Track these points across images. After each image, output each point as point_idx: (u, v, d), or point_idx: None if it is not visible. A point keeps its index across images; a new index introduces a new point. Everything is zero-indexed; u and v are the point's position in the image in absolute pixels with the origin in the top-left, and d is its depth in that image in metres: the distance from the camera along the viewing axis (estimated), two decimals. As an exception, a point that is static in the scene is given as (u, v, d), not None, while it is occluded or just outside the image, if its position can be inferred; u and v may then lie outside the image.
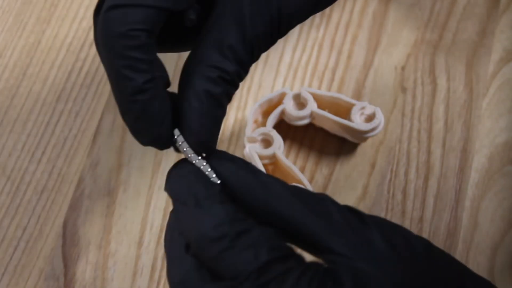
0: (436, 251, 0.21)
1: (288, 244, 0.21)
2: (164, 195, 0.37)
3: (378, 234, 0.20)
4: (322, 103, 0.36)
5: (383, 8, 0.41)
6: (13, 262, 0.36)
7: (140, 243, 0.36)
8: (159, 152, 0.38)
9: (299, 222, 0.21)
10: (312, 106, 0.35)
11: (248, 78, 0.40)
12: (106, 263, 0.36)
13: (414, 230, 0.35)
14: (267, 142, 0.35)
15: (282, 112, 0.36)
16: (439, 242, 0.35)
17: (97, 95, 0.40)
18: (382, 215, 0.36)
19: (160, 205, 0.37)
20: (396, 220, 0.36)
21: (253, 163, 0.34)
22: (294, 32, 0.41)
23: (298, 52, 0.40)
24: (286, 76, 0.40)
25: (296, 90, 0.39)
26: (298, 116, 0.35)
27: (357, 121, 0.35)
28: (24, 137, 0.39)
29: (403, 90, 0.39)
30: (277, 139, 0.35)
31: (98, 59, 0.41)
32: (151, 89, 0.21)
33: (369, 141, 0.38)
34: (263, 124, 0.37)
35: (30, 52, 0.42)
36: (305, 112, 0.35)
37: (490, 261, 0.35)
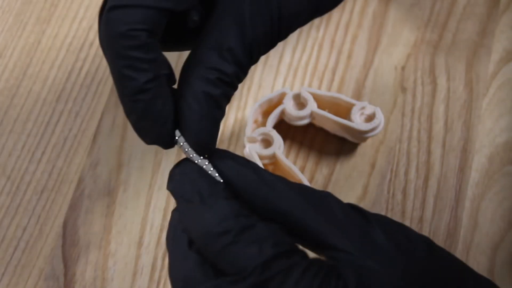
0: (437, 250, 0.21)
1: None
2: (164, 195, 0.37)
3: (380, 231, 0.20)
4: (322, 103, 0.36)
5: (383, 8, 0.41)
6: (13, 262, 0.36)
7: (140, 243, 0.36)
8: (159, 152, 0.38)
9: (302, 219, 0.21)
10: (312, 106, 0.35)
11: (248, 78, 0.40)
12: (106, 263, 0.36)
13: (414, 230, 0.35)
14: (267, 142, 0.35)
15: (282, 112, 0.36)
16: (439, 242, 0.35)
17: (97, 95, 0.40)
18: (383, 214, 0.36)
19: (160, 205, 0.37)
20: (396, 220, 0.36)
21: (253, 163, 0.34)
22: (294, 32, 0.41)
23: (298, 52, 0.40)
24: (286, 76, 0.40)
25: (296, 90, 0.39)
26: (298, 116, 0.35)
27: (357, 121, 0.35)
28: (24, 137, 0.39)
29: (403, 90, 0.39)
30: (277, 139, 0.35)
31: (98, 59, 0.41)
32: (153, 88, 0.22)
33: (369, 141, 0.38)
34: (263, 124, 0.37)
35: (30, 52, 0.42)
36: (305, 112, 0.35)
37: (490, 261, 0.35)
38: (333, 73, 0.40)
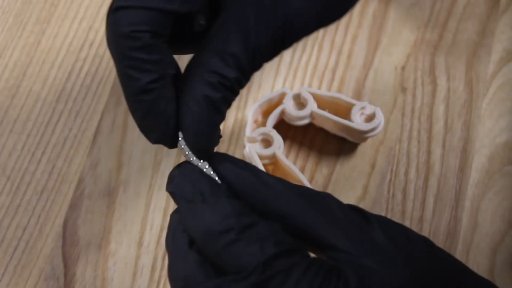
0: (437, 250, 0.21)
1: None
2: (164, 195, 0.37)
3: (380, 232, 0.20)
4: (322, 103, 0.36)
5: (383, 8, 0.41)
6: (13, 262, 0.36)
7: (140, 243, 0.36)
8: (159, 152, 0.38)
9: (302, 220, 0.21)
10: (312, 106, 0.35)
11: (248, 78, 0.40)
12: (106, 263, 0.36)
13: (414, 230, 0.35)
14: (267, 142, 0.35)
15: (282, 112, 0.36)
16: (439, 242, 0.35)
17: (97, 95, 0.40)
18: (382, 215, 0.36)
19: (160, 205, 0.37)
20: (396, 220, 0.36)
21: (253, 163, 0.34)
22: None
23: (298, 52, 0.40)
24: (286, 76, 0.40)
25: (296, 90, 0.39)
26: (298, 116, 0.35)
27: (357, 121, 0.35)
28: (24, 137, 0.39)
29: (403, 90, 0.39)
30: (277, 139, 0.35)
31: (98, 59, 0.41)
32: (156, 89, 0.22)
33: (369, 141, 0.38)
34: (263, 124, 0.37)
35: (30, 52, 0.42)
36: (305, 112, 0.35)
37: (490, 261, 0.35)
38: (333, 73, 0.40)
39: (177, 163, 0.38)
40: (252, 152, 0.34)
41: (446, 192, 0.36)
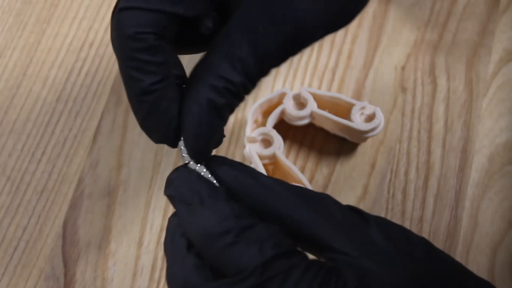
0: (437, 251, 0.21)
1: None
2: (164, 196, 0.37)
3: (380, 233, 0.20)
4: (322, 103, 0.36)
5: (383, 8, 0.41)
6: (13, 262, 0.36)
7: (140, 243, 0.36)
8: (159, 152, 0.38)
9: (301, 222, 0.21)
10: (312, 106, 0.35)
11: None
12: (106, 263, 0.36)
13: (414, 230, 0.35)
14: (267, 142, 0.35)
15: (282, 112, 0.36)
16: (439, 242, 0.35)
17: (97, 95, 0.40)
18: (382, 215, 0.36)
19: (160, 205, 0.37)
20: (396, 220, 0.36)
21: (253, 163, 0.34)
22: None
23: (298, 52, 0.40)
24: (286, 76, 0.40)
25: (296, 90, 0.39)
26: (298, 116, 0.35)
27: (357, 121, 0.35)
28: (24, 137, 0.39)
29: (403, 90, 0.39)
30: (277, 139, 0.35)
31: (98, 59, 0.41)
32: (158, 90, 0.22)
33: (369, 141, 0.38)
34: (263, 124, 0.37)
35: (30, 52, 0.42)
36: (305, 112, 0.35)
37: (490, 261, 0.35)
38: (333, 73, 0.40)
39: (177, 163, 0.38)
40: (252, 152, 0.34)
41: (446, 192, 0.36)
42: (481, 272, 0.34)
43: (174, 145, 0.23)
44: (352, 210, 0.21)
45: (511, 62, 0.39)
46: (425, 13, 0.41)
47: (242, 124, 0.39)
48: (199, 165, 0.23)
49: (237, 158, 0.38)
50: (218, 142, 0.24)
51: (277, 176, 0.34)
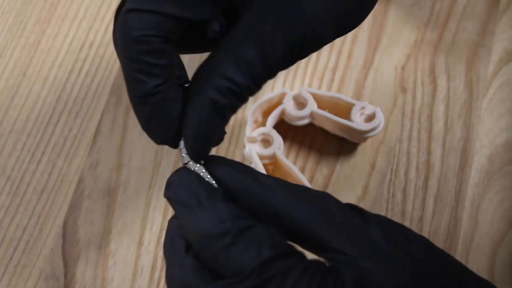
0: (437, 251, 0.21)
1: (290, 242, 0.21)
2: (164, 195, 0.37)
3: (379, 232, 0.20)
4: (322, 103, 0.36)
5: (383, 8, 0.41)
6: (13, 262, 0.36)
7: (140, 243, 0.36)
8: (159, 152, 0.38)
9: (300, 222, 0.21)
10: (312, 106, 0.35)
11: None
12: (106, 263, 0.36)
13: (414, 230, 0.35)
14: (267, 142, 0.35)
15: (282, 112, 0.36)
16: (439, 242, 0.35)
17: (97, 95, 0.40)
18: (382, 215, 0.36)
19: (160, 205, 0.37)
20: (396, 220, 0.36)
21: (253, 163, 0.34)
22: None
23: (298, 52, 0.40)
24: (286, 76, 0.40)
25: (296, 90, 0.39)
26: (298, 116, 0.35)
27: (357, 121, 0.35)
28: (24, 137, 0.39)
29: (403, 90, 0.39)
30: (277, 139, 0.35)
31: (98, 59, 0.41)
32: (162, 92, 0.22)
33: (369, 141, 0.38)
34: (263, 124, 0.37)
35: (30, 52, 0.42)
36: (305, 112, 0.35)
37: (490, 261, 0.35)
38: (333, 73, 0.40)
39: (177, 163, 0.38)
40: (252, 152, 0.34)
41: (446, 192, 0.36)
42: (481, 272, 0.34)
43: (175, 145, 0.23)
44: (352, 209, 0.21)
45: (511, 62, 0.39)
46: (425, 13, 0.41)
47: (242, 124, 0.39)
48: (198, 165, 0.23)
49: (237, 158, 0.38)
50: (219, 140, 0.24)
51: (277, 176, 0.34)
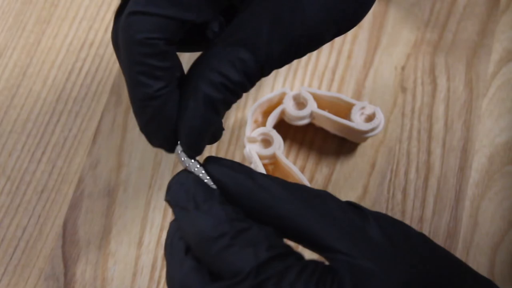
0: (436, 248, 0.21)
1: (290, 242, 0.21)
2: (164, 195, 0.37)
3: (378, 230, 0.20)
4: (322, 103, 0.36)
5: (383, 8, 0.41)
6: (13, 262, 0.36)
7: (140, 243, 0.36)
8: (159, 152, 0.38)
9: (299, 222, 0.21)
10: (312, 106, 0.35)
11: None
12: (106, 263, 0.36)
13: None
14: (267, 142, 0.35)
15: (282, 112, 0.36)
16: (439, 241, 0.35)
17: (97, 95, 0.40)
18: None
19: (160, 205, 0.37)
20: (396, 220, 0.36)
21: (253, 163, 0.34)
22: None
23: (298, 52, 0.40)
24: (286, 76, 0.40)
25: (296, 90, 0.39)
26: (298, 116, 0.35)
27: (357, 121, 0.35)
28: (24, 137, 0.39)
29: (403, 90, 0.39)
30: (277, 139, 0.35)
31: (98, 59, 0.41)
32: (163, 95, 0.22)
33: (369, 141, 0.38)
34: (263, 124, 0.37)
35: (30, 52, 0.42)
36: (305, 112, 0.35)
37: (490, 261, 0.35)
38: (333, 73, 0.40)
39: (177, 163, 0.38)
40: (252, 152, 0.34)
41: (446, 192, 0.36)
42: (481, 272, 0.34)
43: (171, 149, 0.23)
44: (352, 207, 0.21)
45: (511, 62, 0.39)
46: (425, 13, 0.41)
47: (242, 124, 0.39)
48: (197, 167, 0.23)
49: (237, 158, 0.38)
50: (217, 136, 0.24)
51: (277, 176, 0.34)
